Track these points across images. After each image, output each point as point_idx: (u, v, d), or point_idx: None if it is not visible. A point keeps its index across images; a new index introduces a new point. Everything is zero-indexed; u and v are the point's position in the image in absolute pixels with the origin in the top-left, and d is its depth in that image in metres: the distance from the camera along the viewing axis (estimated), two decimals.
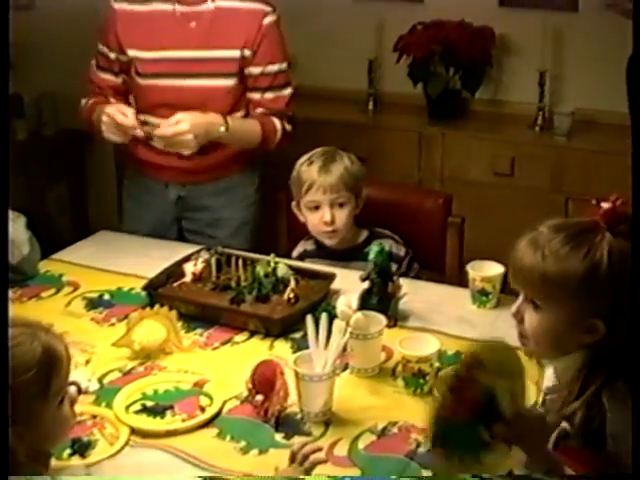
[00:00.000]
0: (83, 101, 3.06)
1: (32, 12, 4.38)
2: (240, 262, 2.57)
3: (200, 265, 2.61)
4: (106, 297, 2.62)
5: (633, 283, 1.63)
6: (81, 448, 1.94)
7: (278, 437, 1.99)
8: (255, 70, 2.93)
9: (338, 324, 2.08)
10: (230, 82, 2.93)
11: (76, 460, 1.90)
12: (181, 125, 2.74)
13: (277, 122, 2.99)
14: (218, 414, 2.06)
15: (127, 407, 2.08)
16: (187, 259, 2.67)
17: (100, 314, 2.53)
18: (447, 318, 2.48)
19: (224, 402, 2.09)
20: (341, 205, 2.75)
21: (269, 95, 2.98)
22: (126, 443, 1.97)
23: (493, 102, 3.92)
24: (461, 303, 2.56)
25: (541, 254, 1.67)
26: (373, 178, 3.45)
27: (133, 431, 2.00)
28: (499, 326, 2.43)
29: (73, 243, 3.00)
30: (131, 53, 2.93)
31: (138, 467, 1.90)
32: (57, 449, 1.85)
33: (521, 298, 1.76)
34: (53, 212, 4.58)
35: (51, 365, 1.59)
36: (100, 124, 2.82)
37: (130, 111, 2.78)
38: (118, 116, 2.75)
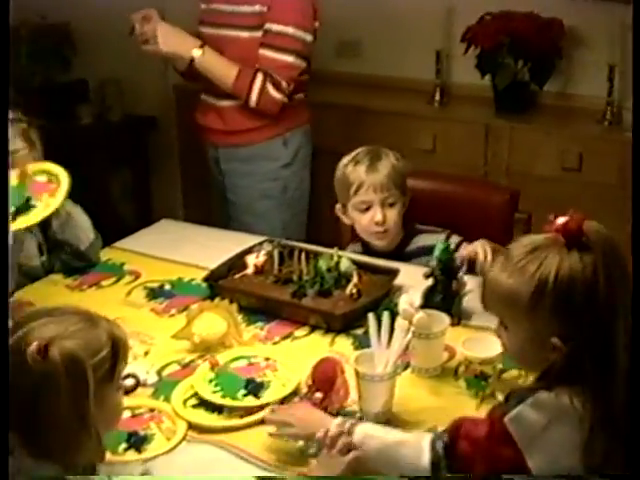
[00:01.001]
0: None
1: None
2: (303, 255, 2.53)
3: (262, 257, 2.58)
4: (167, 287, 2.61)
5: (634, 284, 1.62)
6: (137, 442, 1.92)
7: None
8: (265, 26, 3.03)
9: (401, 323, 2.03)
10: (244, 34, 3.05)
11: (132, 454, 1.89)
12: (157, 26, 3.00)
13: (260, 78, 3.03)
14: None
15: (185, 401, 2.06)
16: (249, 251, 2.65)
17: (160, 305, 2.51)
18: None
19: (283, 398, 2.06)
20: (391, 204, 2.69)
21: (267, 52, 3.04)
22: (183, 438, 1.95)
23: (562, 95, 3.82)
24: None
25: (500, 271, 1.66)
26: (438, 170, 3.42)
27: (190, 426, 1.98)
28: None
29: (135, 231, 3.00)
30: (202, 5, 3.22)
31: (194, 463, 1.88)
32: (113, 443, 1.85)
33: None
34: (116, 198, 4.59)
35: (117, 348, 1.60)
36: None
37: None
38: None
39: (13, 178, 2.30)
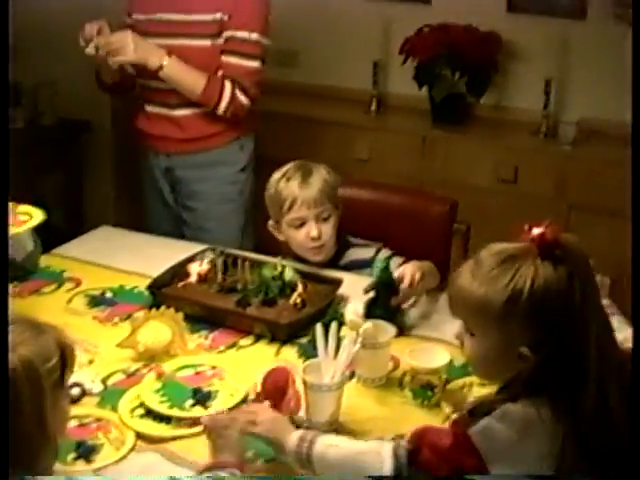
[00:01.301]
0: None
1: None
2: (247, 264, 2.53)
3: (206, 266, 2.57)
4: (108, 295, 2.58)
5: (634, 284, 1.67)
6: (86, 452, 1.90)
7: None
8: (226, 34, 3.03)
9: (349, 335, 2.04)
10: (206, 43, 3.04)
11: (81, 464, 1.87)
12: (126, 35, 2.94)
13: (228, 86, 3.04)
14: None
15: (132, 410, 2.05)
16: (192, 259, 2.63)
17: (102, 312, 2.49)
18: (455, 328, 2.44)
19: (230, 408, 2.05)
20: (325, 219, 2.66)
21: (232, 59, 3.05)
22: (132, 448, 1.93)
23: (498, 108, 3.89)
24: None
25: (471, 279, 1.66)
26: (375, 180, 3.45)
27: (139, 435, 1.97)
28: None
29: (67, 236, 2.96)
30: (134, 16, 3.13)
31: (143, 473, 1.86)
32: (62, 452, 1.82)
33: (461, 323, 1.76)
34: (49, 202, 4.52)
35: (65, 355, 1.58)
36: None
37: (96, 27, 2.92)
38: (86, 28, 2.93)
39: None
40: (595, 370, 1.61)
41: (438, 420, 2.06)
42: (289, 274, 2.50)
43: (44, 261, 2.74)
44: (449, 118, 3.79)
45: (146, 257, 2.78)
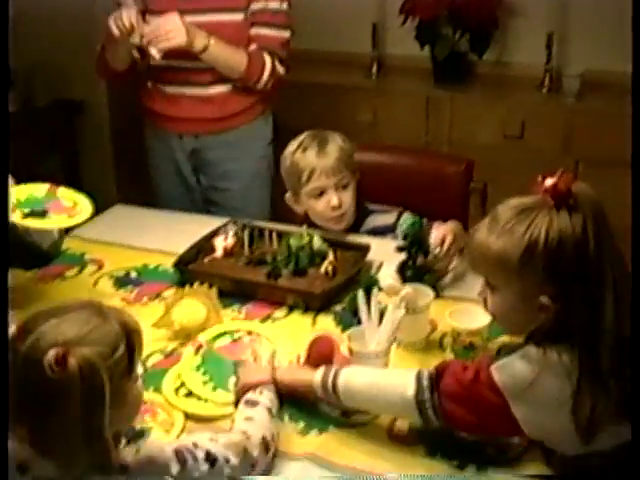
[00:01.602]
0: (98, 48, 3.05)
1: None
2: (274, 235, 2.51)
3: (231, 239, 2.54)
4: (133, 275, 2.55)
5: (634, 283, 1.64)
6: (135, 437, 1.85)
7: (336, 415, 1.94)
8: (256, 6, 2.95)
9: (393, 300, 2.03)
10: (238, 17, 2.95)
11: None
12: (174, 18, 2.80)
13: (268, 59, 2.98)
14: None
15: (176, 390, 2.02)
16: (215, 233, 2.60)
17: (130, 293, 2.46)
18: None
19: None
20: (345, 187, 2.65)
21: (265, 31, 2.98)
22: (182, 430, 1.90)
23: (500, 64, 3.87)
24: None
25: (488, 234, 1.68)
26: (387, 144, 3.43)
27: (187, 416, 1.94)
28: None
29: None
30: None
31: None
32: None
33: (483, 281, 1.78)
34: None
35: (132, 339, 1.54)
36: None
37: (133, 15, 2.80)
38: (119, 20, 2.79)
39: (41, 189, 2.36)
40: (611, 315, 1.62)
41: None
42: (317, 243, 2.48)
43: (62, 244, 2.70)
44: (452, 77, 3.76)
45: (165, 234, 2.76)
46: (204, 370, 2.07)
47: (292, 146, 2.67)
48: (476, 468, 1.78)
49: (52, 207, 2.32)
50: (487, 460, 1.79)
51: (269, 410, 1.81)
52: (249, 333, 2.15)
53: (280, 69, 3.00)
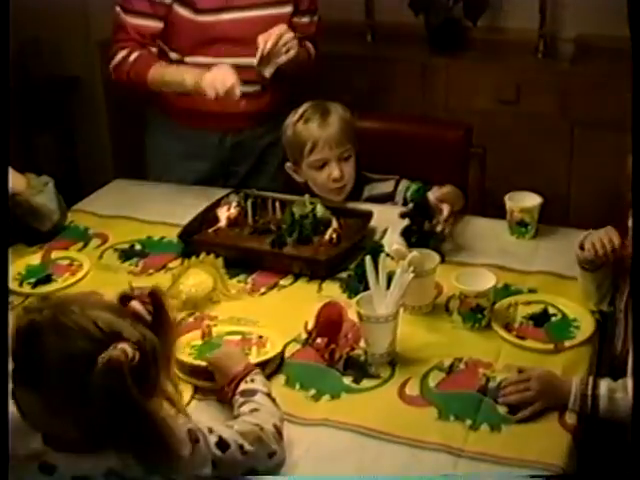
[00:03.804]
0: (120, 54, 2.80)
1: None
2: (277, 204, 2.50)
3: (234, 209, 2.53)
4: (138, 247, 2.55)
5: (634, 282, 1.68)
6: None
7: (347, 381, 1.95)
8: None
9: (401, 264, 2.03)
10: (287, 9, 2.83)
11: None
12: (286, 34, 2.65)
13: (311, 47, 2.94)
14: (282, 359, 2.01)
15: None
16: (217, 204, 2.59)
17: (136, 265, 2.46)
18: (488, 250, 2.45)
19: (285, 345, 2.05)
20: (346, 158, 2.65)
21: (305, 19, 2.91)
22: (191, 399, 1.90)
23: (493, 30, 3.83)
24: (500, 235, 2.53)
25: None
26: (385, 111, 3.41)
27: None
28: (540, 256, 2.42)
29: (65, 197, 2.78)
30: None
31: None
32: None
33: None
34: (41, 163, 4.44)
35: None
36: (193, 85, 2.64)
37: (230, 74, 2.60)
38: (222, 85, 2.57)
39: (35, 258, 2.48)
40: None
41: (490, 342, 2.06)
42: (320, 210, 2.48)
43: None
44: (447, 44, 3.74)
45: (166, 206, 2.75)
46: (197, 348, 2.04)
47: (294, 117, 2.66)
48: (489, 428, 1.78)
49: (54, 271, 2.42)
50: (500, 420, 1.80)
51: (268, 395, 1.79)
52: (260, 337, 2.09)
53: (313, 53, 2.95)
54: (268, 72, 2.67)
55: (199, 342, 2.06)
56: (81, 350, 1.41)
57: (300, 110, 2.66)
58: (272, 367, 1.97)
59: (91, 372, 1.39)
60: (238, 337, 2.09)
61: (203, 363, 1.91)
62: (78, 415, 1.43)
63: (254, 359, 1.94)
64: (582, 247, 2.08)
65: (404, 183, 2.73)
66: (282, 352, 2.02)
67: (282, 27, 2.65)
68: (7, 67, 1.98)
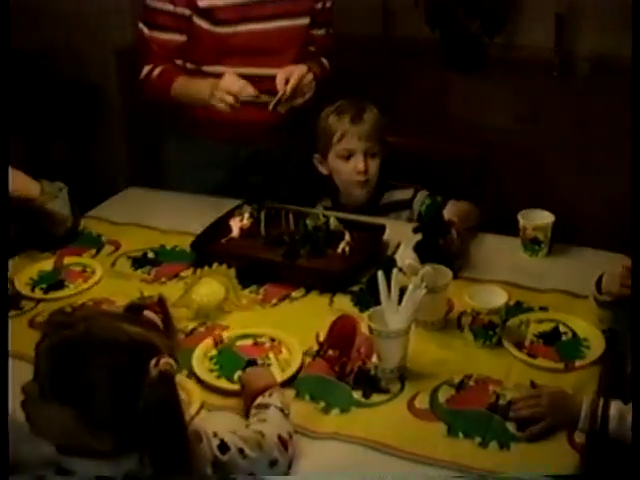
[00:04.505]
0: (146, 69, 2.81)
1: None
2: (290, 216, 2.51)
3: (247, 220, 2.54)
4: (150, 255, 2.56)
5: (634, 282, 1.71)
6: None
7: (356, 395, 1.95)
8: (318, 5, 2.85)
9: (414, 279, 2.03)
10: (306, 20, 2.83)
11: None
12: (297, 71, 2.64)
13: (326, 62, 2.93)
14: (297, 372, 2.01)
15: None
16: (230, 214, 2.60)
17: (148, 274, 2.46)
18: (500, 268, 2.44)
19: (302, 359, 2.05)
20: (373, 155, 2.71)
21: (322, 31, 2.92)
22: (200, 408, 1.91)
23: (511, 47, 3.82)
24: (513, 252, 2.53)
25: None
26: (400, 126, 3.41)
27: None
28: (553, 274, 2.42)
29: (81, 204, 2.78)
30: (203, 3, 2.71)
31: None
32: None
33: None
34: (57, 169, 4.45)
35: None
36: (208, 101, 2.64)
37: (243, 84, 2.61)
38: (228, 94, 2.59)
39: (47, 264, 2.50)
40: None
41: (501, 359, 2.06)
42: (334, 223, 2.48)
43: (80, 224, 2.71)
44: (463, 60, 3.73)
45: (180, 215, 2.76)
46: (216, 360, 2.07)
47: (329, 108, 2.75)
48: (499, 446, 1.78)
49: (66, 277, 2.43)
50: (509, 438, 1.80)
51: (281, 410, 1.80)
52: (272, 340, 2.12)
53: (328, 67, 2.94)
54: (283, 109, 2.68)
55: (215, 352, 2.08)
56: (121, 363, 1.43)
57: (336, 104, 2.75)
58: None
59: (132, 384, 1.41)
60: (250, 341, 2.11)
61: (236, 387, 1.94)
62: (118, 427, 1.44)
63: (275, 368, 1.98)
64: (599, 289, 2.09)
65: (423, 193, 2.77)
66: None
67: (302, 69, 2.67)
68: (7, 67, 1.97)
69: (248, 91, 2.59)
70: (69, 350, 1.44)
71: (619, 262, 2.09)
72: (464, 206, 2.58)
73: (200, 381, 1.99)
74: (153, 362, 1.42)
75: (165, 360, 1.43)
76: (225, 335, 2.13)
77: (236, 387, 1.94)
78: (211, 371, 2.03)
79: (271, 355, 2.06)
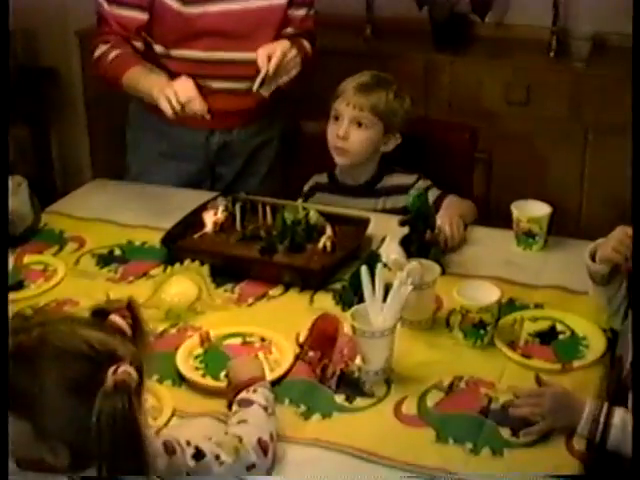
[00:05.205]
0: (101, 49, 2.80)
1: None
2: (268, 209, 2.52)
3: (221, 214, 2.55)
4: (117, 253, 2.57)
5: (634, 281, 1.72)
6: None
7: (339, 400, 1.96)
8: None
9: (399, 275, 2.04)
10: (281, 1, 2.82)
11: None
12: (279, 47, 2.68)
13: (307, 44, 2.93)
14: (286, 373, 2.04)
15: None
16: (203, 207, 2.61)
17: (115, 272, 2.47)
18: (492, 262, 2.46)
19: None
20: (360, 125, 2.72)
21: (301, 12, 2.91)
22: (171, 417, 1.91)
23: (502, 26, 3.86)
24: (505, 246, 2.55)
25: None
26: None
27: None
28: (549, 269, 2.44)
29: (39, 194, 2.80)
30: None
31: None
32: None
33: None
34: (14, 159, 4.45)
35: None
36: (155, 99, 2.62)
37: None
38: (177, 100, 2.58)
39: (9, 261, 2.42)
40: None
41: (493, 360, 2.08)
42: (314, 216, 2.49)
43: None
44: (452, 40, 3.76)
45: (149, 209, 2.77)
46: (201, 359, 2.09)
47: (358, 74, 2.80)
48: (491, 452, 1.80)
49: (27, 277, 2.43)
50: (503, 444, 1.82)
51: (265, 409, 1.81)
52: (262, 340, 2.14)
53: (310, 48, 2.95)
54: (267, 92, 2.71)
55: (200, 350, 2.10)
56: (78, 373, 1.43)
57: (368, 71, 2.80)
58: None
59: (90, 395, 1.40)
60: (238, 340, 2.13)
61: (222, 384, 1.96)
62: (75, 441, 1.44)
63: (267, 371, 1.98)
64: (593, 258, 2.09)
65: (424, 181, 2.79)
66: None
67: (285, 44, 2.69)
68: (7, 67, 1.99)
69: (194, 106, 2.59)
70: (21, 358, 1.43)
71: None
72: (464, 207, 2.65)
73: (183, 380, 2.01)
74: (111, 371, 1.42)
75: (123, 369, 1.42)
76: (212, 333, 2.15)
77: (222, 385, 1.96)
78: (196, 369, 2.04)
79: (261, 355, 2.07)
